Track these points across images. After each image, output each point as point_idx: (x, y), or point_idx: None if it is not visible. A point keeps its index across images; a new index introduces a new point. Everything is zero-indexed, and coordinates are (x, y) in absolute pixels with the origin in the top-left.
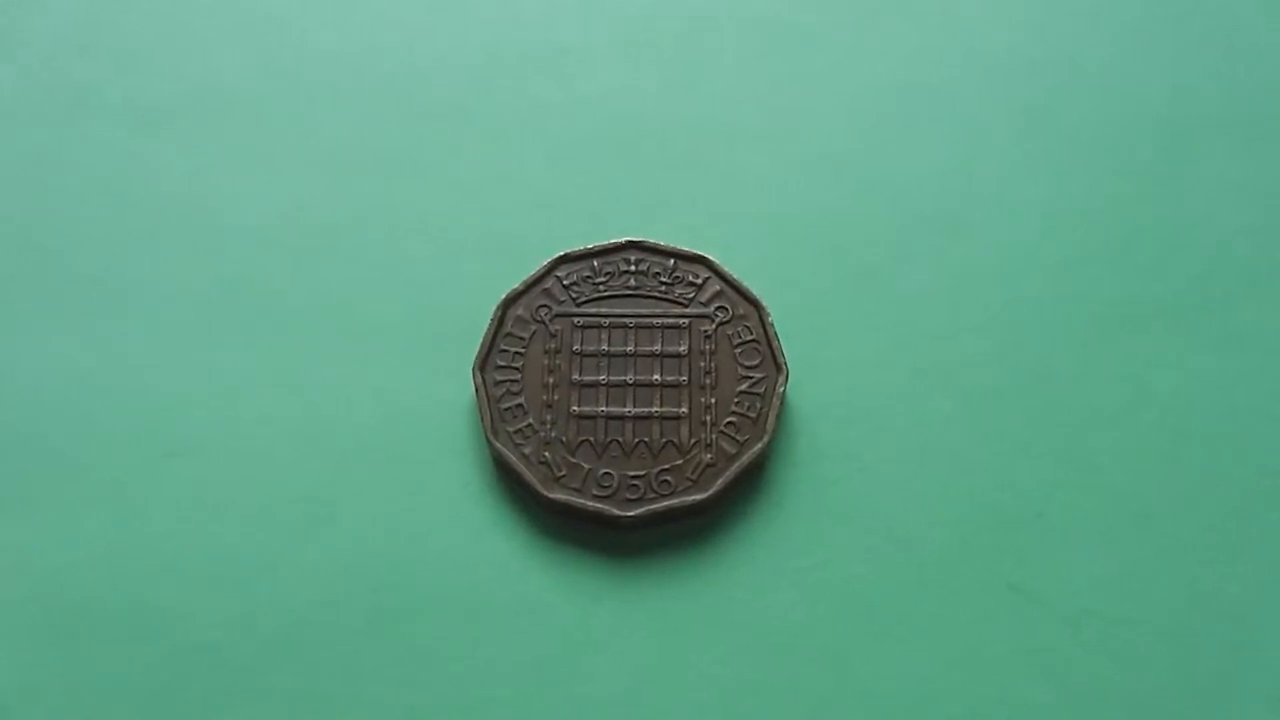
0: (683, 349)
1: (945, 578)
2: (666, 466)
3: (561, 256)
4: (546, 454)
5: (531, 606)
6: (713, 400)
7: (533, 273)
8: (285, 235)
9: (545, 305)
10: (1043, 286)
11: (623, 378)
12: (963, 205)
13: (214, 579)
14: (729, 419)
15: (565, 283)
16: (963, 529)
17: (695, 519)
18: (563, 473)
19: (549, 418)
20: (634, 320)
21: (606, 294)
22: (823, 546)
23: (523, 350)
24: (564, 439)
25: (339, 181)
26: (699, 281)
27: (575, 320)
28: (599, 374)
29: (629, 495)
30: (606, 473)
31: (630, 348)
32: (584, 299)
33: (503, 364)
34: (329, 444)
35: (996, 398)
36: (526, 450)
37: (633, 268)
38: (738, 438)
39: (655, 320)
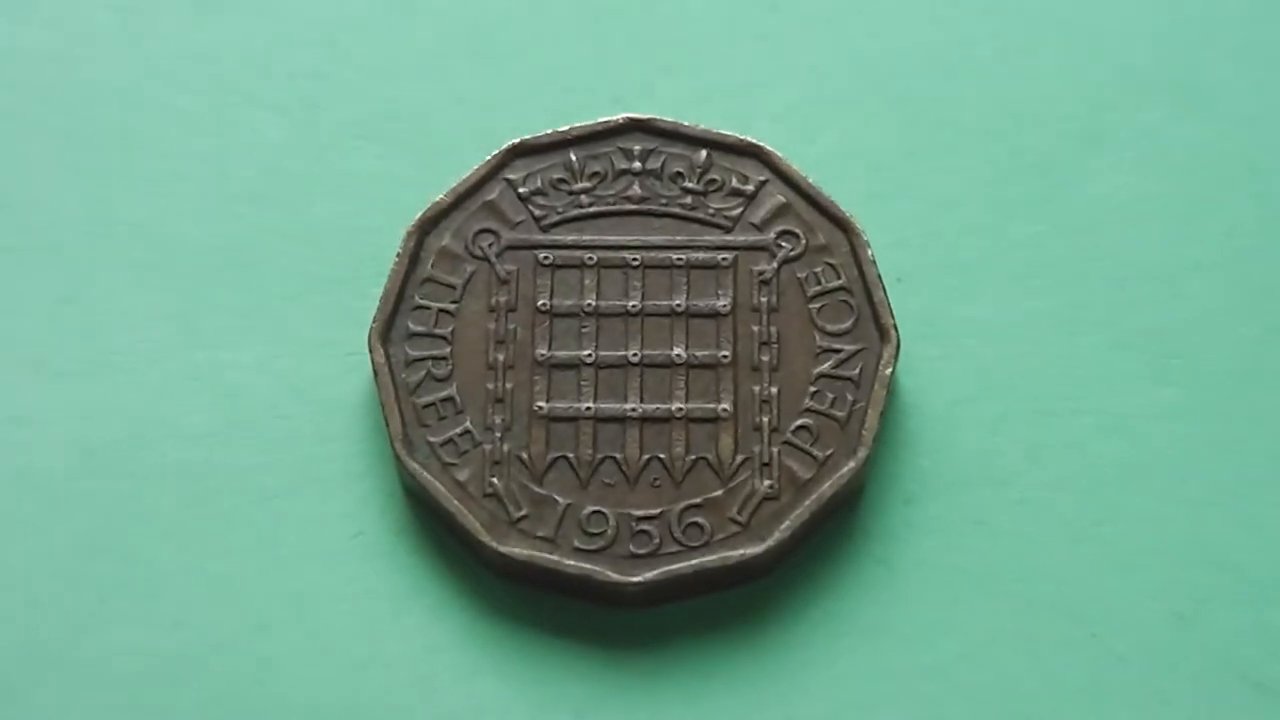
0: (723, 303)
1: (1155, 676)
2: (697, 501)
3: (515, 147)
4: (496, 481)
5: None
6: (773, 390)
7: (467, 174)
8: (47, 108)
9: (489, 230)
10: None
11: (622, 353)
12: (1184, 64)
13: None
14: (800, 422)
15: (522, 191)
16: (1185, 600)
17: (745, 587)
18: (523, 512)
19: (499, 420)
20: (640, 254)
21: (592, 210)
22: (957, 633)
23: (452, 307)
24: (524, 455)
25: (138, 18)
26: (750, 188)
27: (540, 255)
28: (581, 346)
29: (635, 549)
30: (597, 512)
31: (634, 302)
32: (554, 218)
33: (420, 330)
34: (131, 463)
35: (1245, 386)
36: (462, 474)
37: (637, 165)
38: (815, 453)
39: (676, 255)
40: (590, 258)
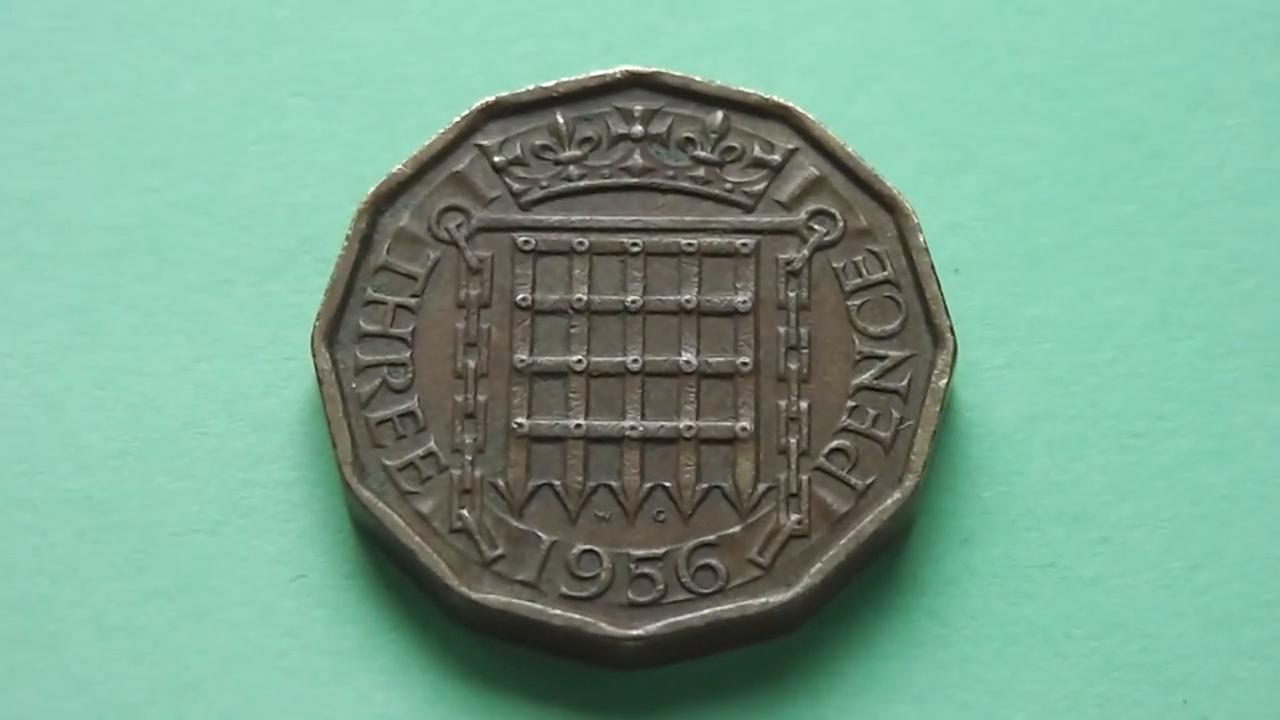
0: (743, 299)
1: None
2: (709, 539)
3: (489, 106)
4: (466, 513)
5: None
6: (803, 405)
7: (430, 139)
8: None
9: (457, 208)
10: None
11: (619, 358)
12: None
13: None
14: (835, 444)
15: (497, 160)
16: None
17: (767, 643)
18: (499, 551)
19: (469, 439)
20: (641, 238)
21: (583, 184)
22: (1025, 699)
23: (412, 302)
24: (501, 483)
25: None
26: (776, 159)
27: (520, 239)
28: (569, 351)
29: (635, 596)
30: (588, 551)
31: (634, 297)
32: (536, 194)
33: (373, 330)
34: (21, 492)
35: None
36: (424, 506)
37: (638, 129)
38: (853, 481)
39: (685, 240)
40: (580, 242)
